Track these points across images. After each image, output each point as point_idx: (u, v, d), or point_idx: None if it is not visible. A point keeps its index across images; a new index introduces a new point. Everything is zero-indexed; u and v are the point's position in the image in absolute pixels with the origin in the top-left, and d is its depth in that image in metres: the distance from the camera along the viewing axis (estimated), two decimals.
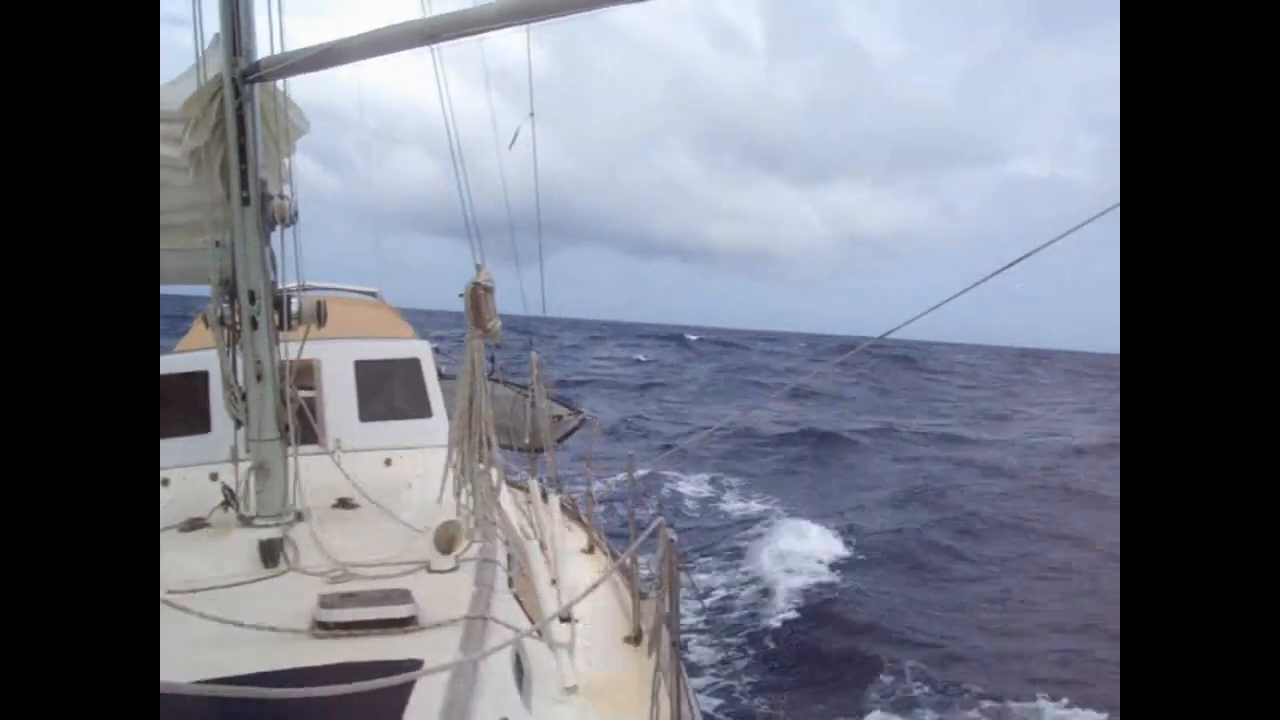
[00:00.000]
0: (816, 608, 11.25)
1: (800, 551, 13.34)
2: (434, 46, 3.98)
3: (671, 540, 3.32)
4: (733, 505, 17.91)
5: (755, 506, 17.54)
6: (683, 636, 4.50)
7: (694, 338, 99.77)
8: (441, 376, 7.41)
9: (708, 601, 11.63)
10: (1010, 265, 2.92)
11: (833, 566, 12.97)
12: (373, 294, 9.10)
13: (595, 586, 3.25)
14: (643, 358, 64.61)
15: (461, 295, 4.31)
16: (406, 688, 2.66)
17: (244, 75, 4.20)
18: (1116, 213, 1.76)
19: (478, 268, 4.35)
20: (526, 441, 8.42)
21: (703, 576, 12.61)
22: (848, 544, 14.05)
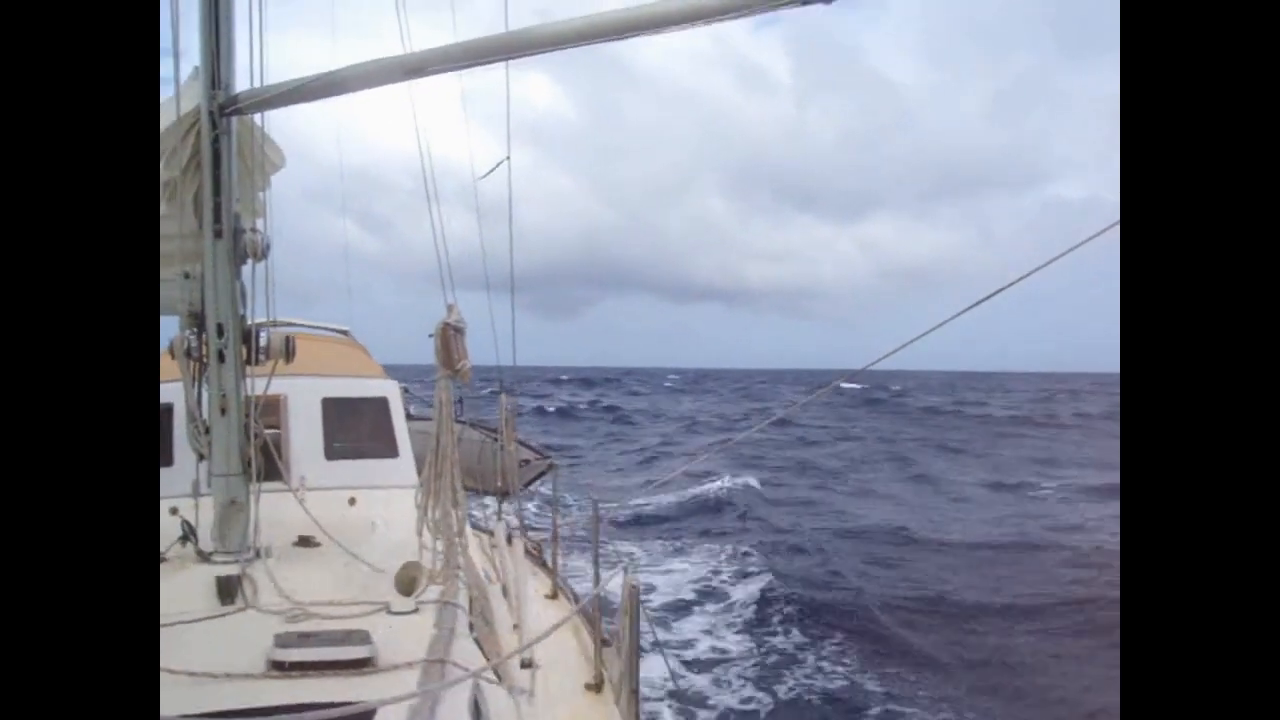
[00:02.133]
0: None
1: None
2: (416, 81, 3.99)
3: (635, 588, 3.28)
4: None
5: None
6: (644, 686, 4.44)
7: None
8: (410, 417, 7.35)
9: (675, 649, 11.52)
10: (1008, 286, 2.93)
11: None
12: (344, 332, 9.05)
13: (555, 629, 3.21)
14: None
15: (432, 335, 4.29)
16: None
17: (222, 108, 4.19)
18: (1116, 232, 1.78)
19: (449, 308, 4.33)
20: (494, 485, 8.37)
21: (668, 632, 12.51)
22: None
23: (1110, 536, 16.86)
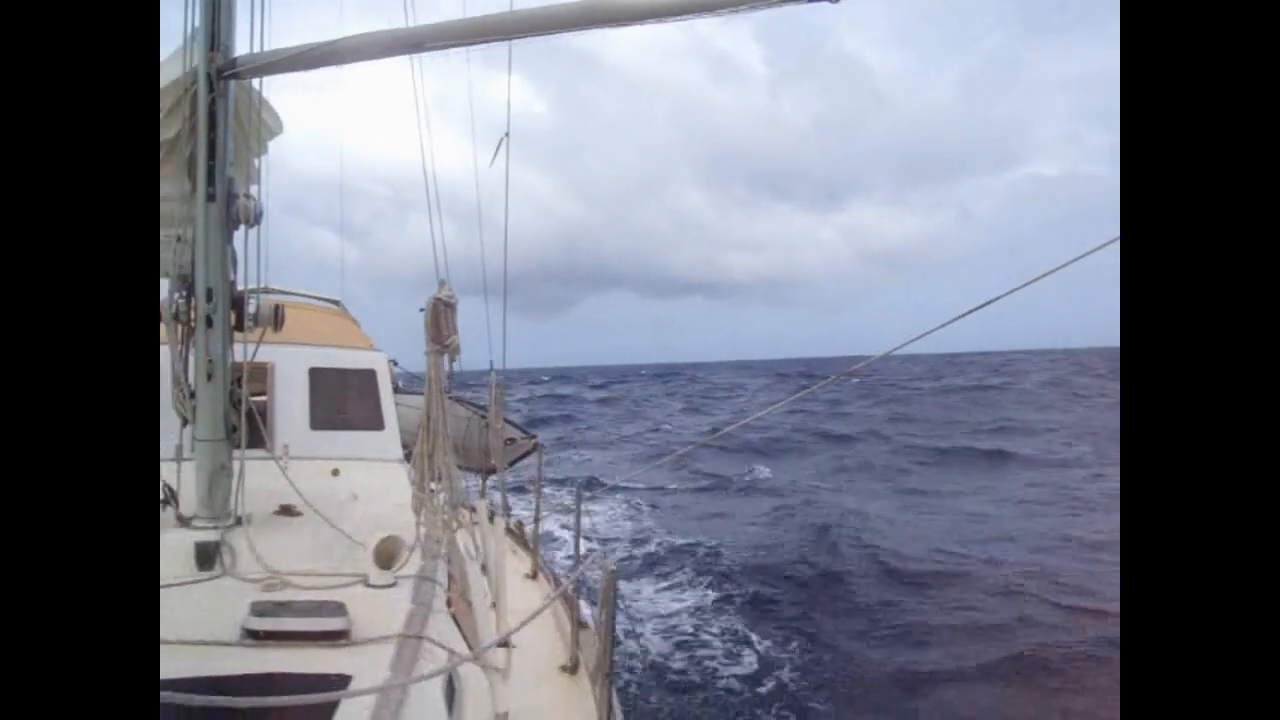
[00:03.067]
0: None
1: None
2: (415, 56, 3.97)
3: (612, 572, 3.29)
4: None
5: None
6: (619, 669, 4.46)
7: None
8: (398, 391, 7.34)
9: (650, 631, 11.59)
10: (1004, 296, 2.95)
11: None
12: (335, 302, 9.03)
13: (534, 616, 3.21)
14: None
15: (422, 310, 4.28)
16: (331, 705, 2.60)
17: (219, 71, 4.16)
18: (1116, 246, 1.79)
19: (441, 283, 4.32)
20: (479, 462, 8.38)
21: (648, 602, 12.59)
22: None
23: None
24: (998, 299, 2.99)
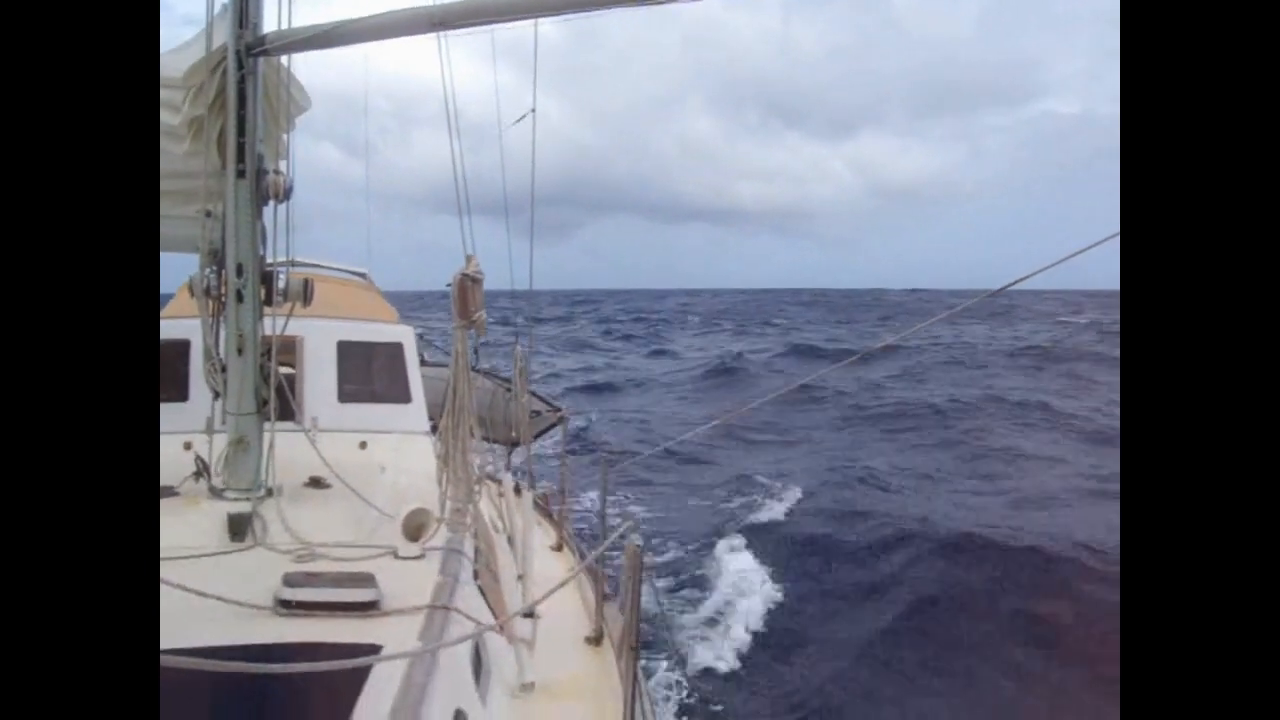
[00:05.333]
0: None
1: None
2: (442, 34, 3.98)
3: (637, 546, 3.33)
4: None
5: None
6: (644, 641, 4.52)
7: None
8: (425, 363, 7.40)
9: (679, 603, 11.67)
10: (1025, 278, 2.99)
11: None
12: (362, 275, 9.09)
13: (560, 586, 3.26)
14: None
15: (448, 285, 4.32)
16: (363, 672, 2.66)
17: (249, 48, 4.19)
18: (1117, 241, 1.79)
19: (468, 258, 4.35)
20: (504, 434, 8.44)
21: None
22: None
23: None
24: (1036, 273, 3.03)
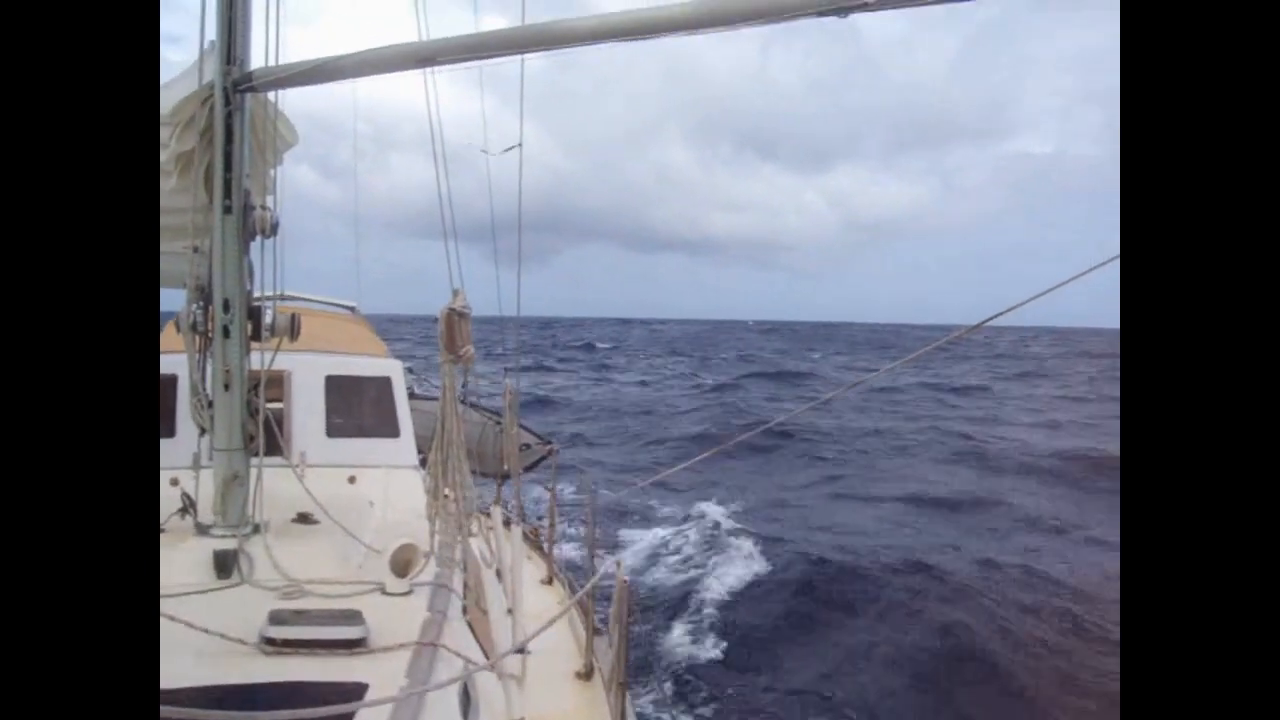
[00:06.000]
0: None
1: None
2: (428, 70, 4.01)
3: (625, 581, 3.32)
4: None
5: None
6: (634, 678, 4.48)
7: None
8: (413, 396, 7.38)
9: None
10: (1014, 308, 3.02)
11: None
12: (351, 308, 9.10)
13: (550, 624, 3.24)
14: None
15: (437, 320, 4.32)
16: (349, 715, 2.63)
17: (236, 85, 4.21)
18: (1116, 265, 1.80)
19: (455, 293, 4.35)
20: (494, 467, 8.41)
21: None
22: None
23: None
24: (1009, 310, 3.05)
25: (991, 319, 3.11)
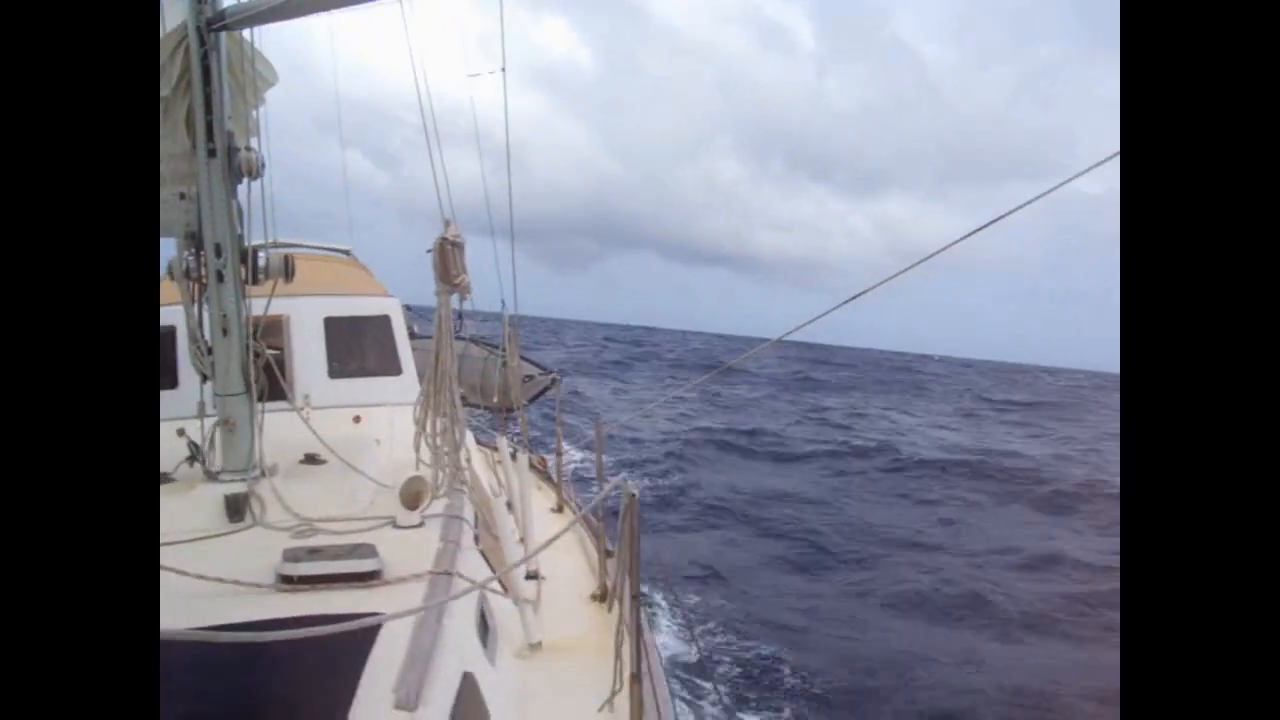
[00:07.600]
0: None
1: None
2: (403, 1, 3.92)
3: (633, 495, 3.33)
4: None
5: None
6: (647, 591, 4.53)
7: None
8: (414, 335, 7.38)
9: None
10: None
11: None
12: (345, 251, 9.04)
13: (557, 538, 3.27)
14: None
15: (429, 251, 4.29)
16: (370, 638, 2.67)
17: (209, 23, 4.11)
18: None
19: (446, 223, 4.32)
20: (496, 400, 8.44)
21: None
22: None
23: None
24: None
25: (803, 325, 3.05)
